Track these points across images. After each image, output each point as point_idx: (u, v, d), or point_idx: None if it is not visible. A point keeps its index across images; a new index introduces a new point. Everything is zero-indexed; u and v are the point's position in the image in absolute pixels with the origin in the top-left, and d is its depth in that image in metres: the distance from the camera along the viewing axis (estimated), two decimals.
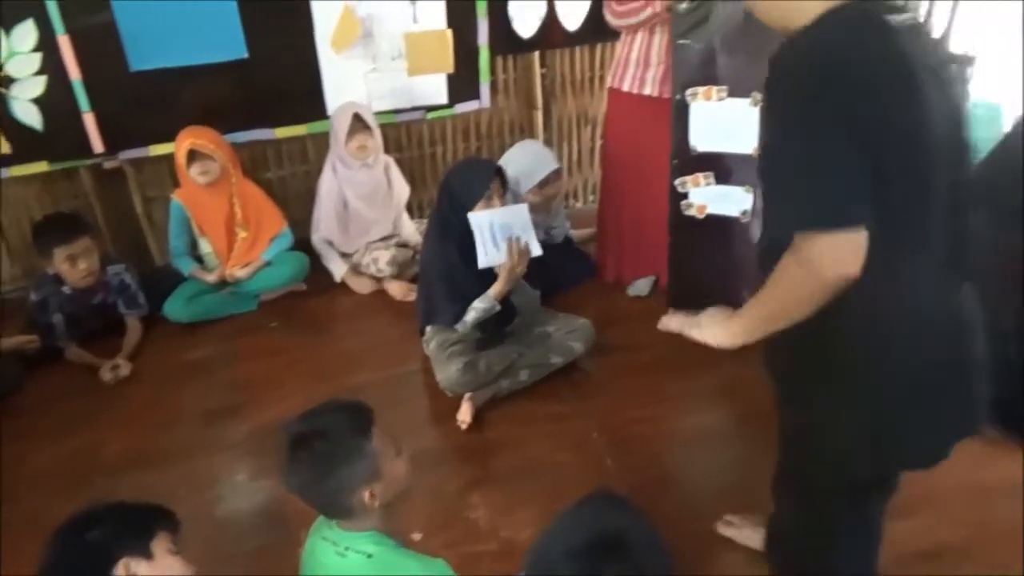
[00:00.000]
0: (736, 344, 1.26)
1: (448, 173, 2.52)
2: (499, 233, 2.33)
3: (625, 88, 2.65)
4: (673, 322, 1.38)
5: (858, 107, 1.01)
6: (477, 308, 2.34)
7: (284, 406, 2.37)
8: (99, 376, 2.54)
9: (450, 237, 2.37)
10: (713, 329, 1.30)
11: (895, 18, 1.10)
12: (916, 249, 1.10)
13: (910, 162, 1.04)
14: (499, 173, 2.47)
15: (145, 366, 2.63)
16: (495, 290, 2.33)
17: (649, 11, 2.45)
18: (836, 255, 1.01)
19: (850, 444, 1.25)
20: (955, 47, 2.09)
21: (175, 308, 2.81)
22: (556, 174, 2.90)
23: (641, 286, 2.94)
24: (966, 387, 1.20)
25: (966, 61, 1.60)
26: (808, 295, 1.07)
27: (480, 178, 2.40)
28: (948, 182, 1.10)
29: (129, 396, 2.50)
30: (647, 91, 2.60)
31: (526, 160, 2.87)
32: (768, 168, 1.10)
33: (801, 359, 1.24)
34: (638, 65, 2.60)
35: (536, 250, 2.37)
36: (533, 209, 2.85)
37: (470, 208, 2.35)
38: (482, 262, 2.32)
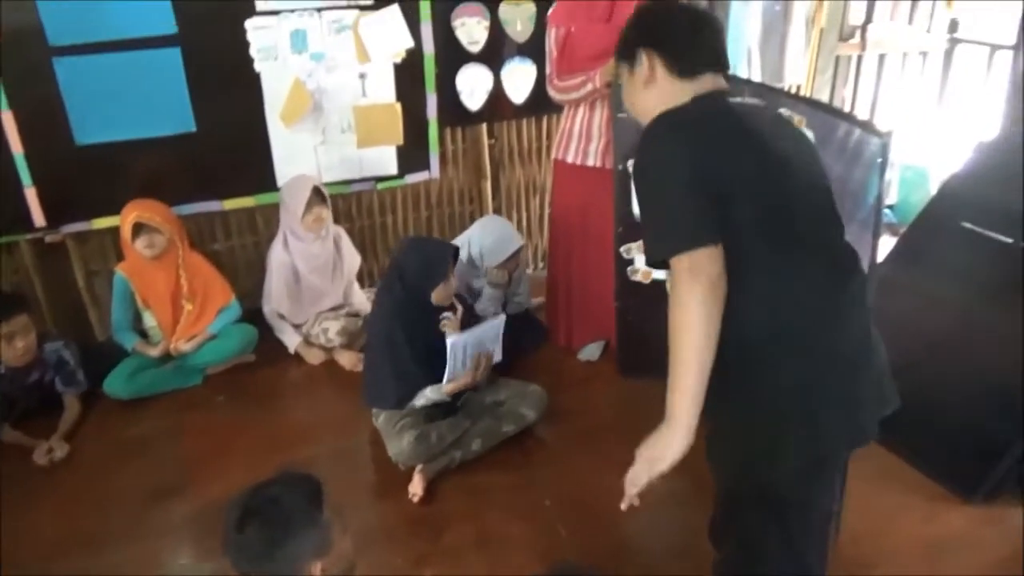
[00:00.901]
0: (689, 434, 1.32)
1: (402, 254, 2.47)
2: (471, 351, 2.34)
3: (569, 160, 2.73)
4: (633, 488, 1.46)
5: (700, 157, 1.24)
6: (428, 397, 2.33)
7: (227, 484, 2.29)
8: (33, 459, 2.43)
9: (399, 316, 2.36)
10: (660, 448, 1.36)
11: (742, 103, 1.36)
12: (783, 257, 1.29)
13: (760, 192, 1.27)
14: (455, 255, 2.50)
15: (83, 446, 2.53)
16: (448, 388, 2.33)
17: (589, 86, 2.54)
18: (697, 265, 1.21)
19: (754, 446, 1.38)
20: (878, 122, 2.27)
21: (116, 384, 2.72)
22: (519, 251, 2.94)
23: (591, 350, 2.97)
24: (850, 386, 1.33)
25: (883, 134, 1.70)
26: (695, 306, 1.21)
27: (438, 262, 2.41)
28: (809, 205, 1.34)
29: (65, 478, 2.39)
30: (590, 162, 2.69)
31: (491, 238, 2.91)
32: (641, 214, 1.34)
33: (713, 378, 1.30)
34: (580, 138, 2.68)
35: (498, 356, 2.44)
36: (496, 283, 2.88)
37: (428, 291, 2.36)
38: (446, 381, 2.32)
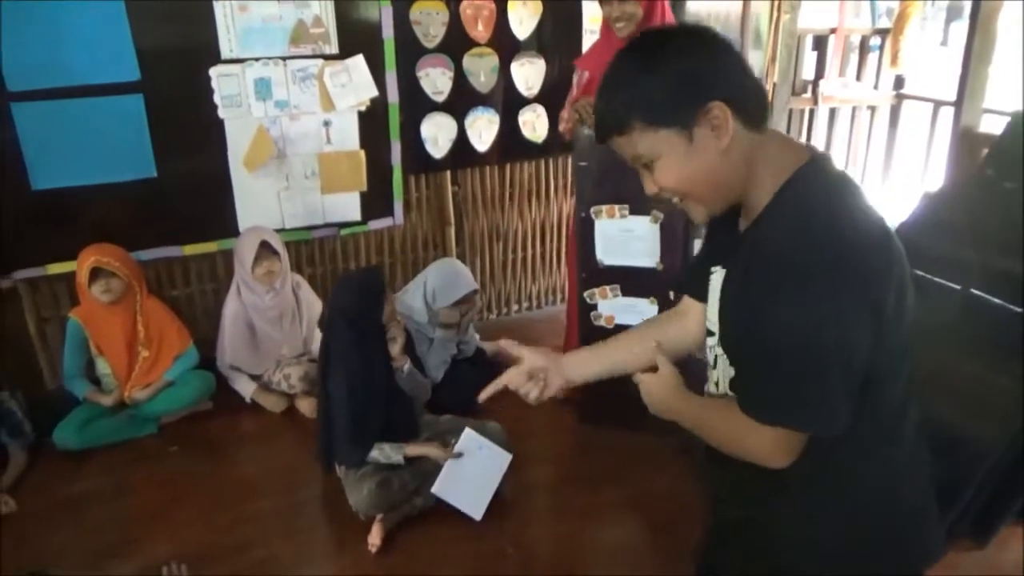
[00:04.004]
0: (657, 412, 1.22)
1: (337, 297, 2.41)
2: (475, 452, 2.32)
3: None
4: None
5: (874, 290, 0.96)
6: (385, 454, 2.27)
7: (174, 543, 2.23)
8: None
9: (354, 359, 2.31)
10: (655, 387, 1.22)
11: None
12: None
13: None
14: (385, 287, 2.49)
15: (26, 501, 2.43)
16: (411, 451, 2.29)
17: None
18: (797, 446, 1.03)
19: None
20: None
21: (66, 435, 2.63)
22: (472, 294, 2.94)
23: None
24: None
25: None
26: (746, 455, 1.07)
27: (373, 282, 2.39)
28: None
29: (5, 535, 2.27)
30: None
31: (445, 278, 2.91)
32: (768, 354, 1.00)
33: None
34: None
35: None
36: (447, 323, 2.89)
37: (377, 316, 2.33)
38: (418, 448, 2.32)
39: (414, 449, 2.30)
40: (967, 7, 3.16)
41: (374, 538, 2.20)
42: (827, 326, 0.93)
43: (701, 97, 0.96)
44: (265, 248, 2.90)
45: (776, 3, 3.76)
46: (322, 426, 2.38)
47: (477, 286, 3.00)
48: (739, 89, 0.98)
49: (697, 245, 2.36)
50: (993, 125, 3.21)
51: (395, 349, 2.42)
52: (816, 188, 0.99)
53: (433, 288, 2.90)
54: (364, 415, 2.28)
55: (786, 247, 0.96)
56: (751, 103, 0.99)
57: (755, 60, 3.84)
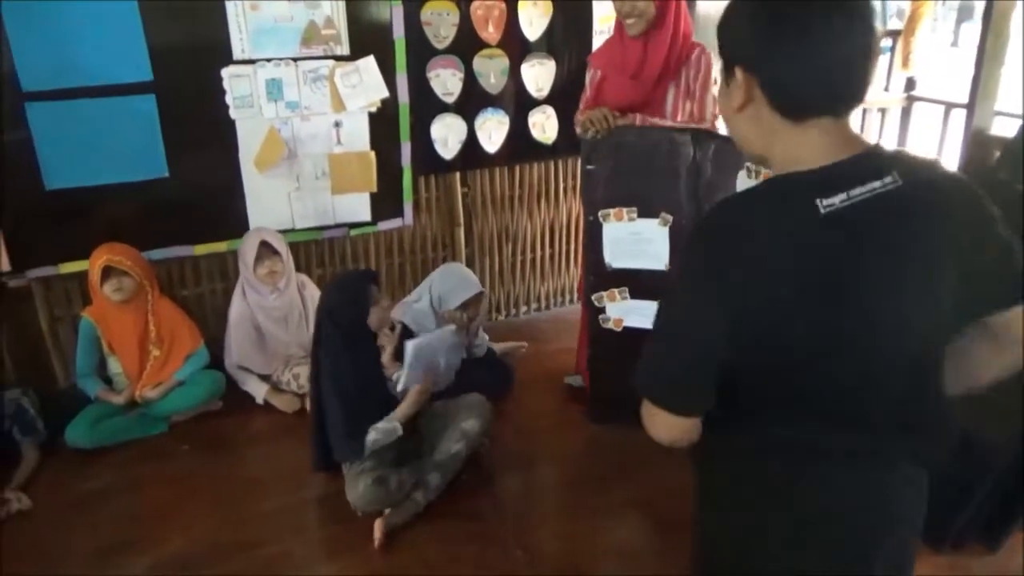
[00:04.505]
0: None
1: (325, 298, 2.45)
2: (426, 358, 2.34)
3: None
4: None
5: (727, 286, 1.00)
6: (378, 430, 2.28)
7: (185, 540, 2.25)
8: None
9: (344, 361, 2.32)
10: None
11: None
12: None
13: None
14: (373, 280, 2.48)
15: (39, 498, 2.44)
16: (400, 412, 2.31)
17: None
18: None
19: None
20: None
21: (77, 433, 2.65)
22: (477, 297, 2.94)
23: (577, 378, 3.00)
24: None
25: None
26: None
27: (360, 286, 2.40)
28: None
29: (19, 532, 2.30)
30: None
31: (450, 282, 2.92)
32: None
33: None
34: None
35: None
36: (457, 326, 2.87)
37: (363, 319, 2.35)
38: (401, 387, 2.33)
39: (403, 410, 2.32)
40: (978, 8, 3.14)
41: (376, 533, 2.21)
42: (671, 302, 1.01)
43: (735, 59, 0.99)
44: (266, 248, 2.91)
45: None
46: (315, 424, 2.42)
47: (483, 288, 3.00)
48: (781, 76, 0.95)
49: None
50: (1005, 127, 3.19)
51: (384, 357, 2.44)
52: (780, 184, 0.98)
53: (439, 292, 2.90)
54: (356, 411, 2.30)
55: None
56: (788, 93, 0.96)
57: None
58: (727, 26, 1.00)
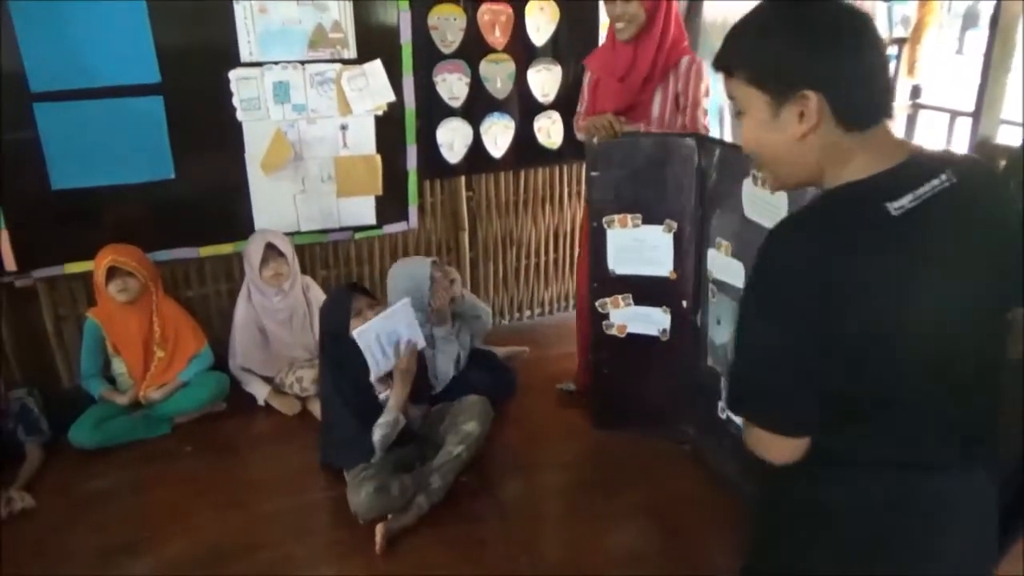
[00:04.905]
0: None
1: (320, 312, 2.58)
2: (386, 341, 2.35)
3: None
4: None
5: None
6: (381, 425, 2.30)
7: (188, 541, 2.25)
8: None
9: (341, 369, 2.36)
10: None
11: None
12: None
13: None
14: (356, 290, 2.49)
15: (42, 498, 2.45)
16: (394, 399, 2.33)
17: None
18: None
19: None
20: None
21: (81, 433, 2.65)
22: (437, 265, 2.81)
23: (570, 384, 3.01)
24: None
25: None
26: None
27: (340, 299, 2.44)
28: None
29: (21, 532, 2.30)
30: None
31: (406, 279, 2.79)
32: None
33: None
34: None
35: (422, 342, 2.42)
36: (441, 317, 2.78)
37: (345, 333, 2.36)
38: (374, 374, 2.35)
39: (395, 397, 2.34)
40: (983, 15, 3.14)
41: (378, 538, 2.20)
42: (763, 328, 0.98)
43: (804, 82, 0.96)
44: (271, 250, 2.92)
45: None
46: (321, 428, 2.50)
47: (433, 258, 2.90)
48: (848, 88, 0.96)
49: (711, 256, 2.36)
50: (1011, 136, 3.19)
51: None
52: (846, 194, 0.98)
53: (406, 294, 2.68)
54: (358, 416, 2.33)
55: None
56: (853, 105, 0.97)
57: None
58: (780, 56, 0.97)
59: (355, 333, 2.31)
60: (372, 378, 2.35)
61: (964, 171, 0.98)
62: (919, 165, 0.97)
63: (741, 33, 1.02)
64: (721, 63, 1.05)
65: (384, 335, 2.35)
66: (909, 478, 1.02)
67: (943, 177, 0.96)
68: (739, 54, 1.01)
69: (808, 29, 0.96)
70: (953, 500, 1.04)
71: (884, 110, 0.99)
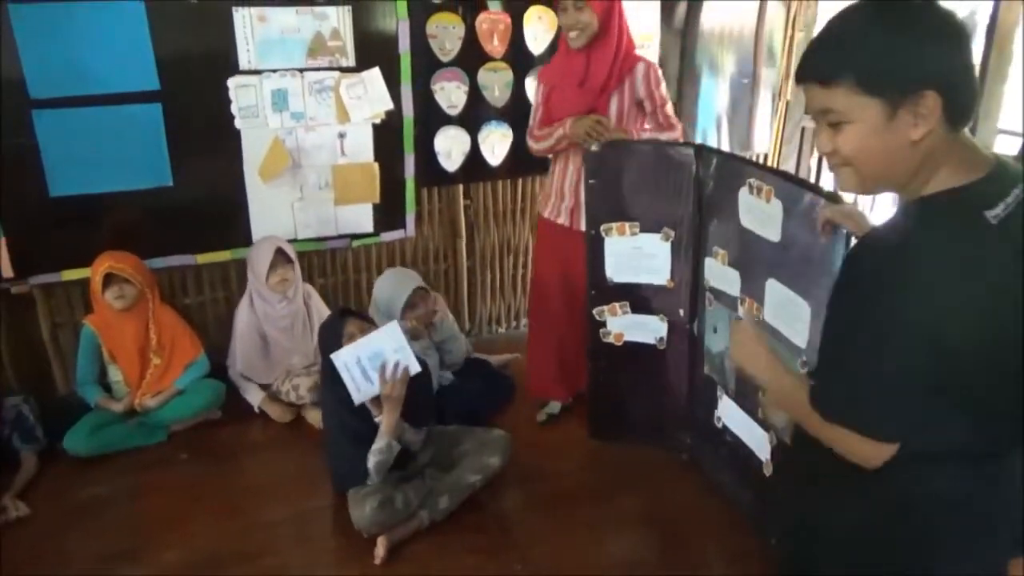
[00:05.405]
0: (740, 361, 1.23)
1: (319, 331, 2.55)
2: (368, 365, 2.27)
3: (545, 215, 2.78)
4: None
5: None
6: (375, 452, 2.25)
7: (183, 550, 2.24)
8: None
9: (337, 397, 2.34)
10: (748, 335, 1.23)
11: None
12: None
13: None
14: (348, 314, 2.47)
15: (37, 506, 2.44)
16: (385, 426, 2.26)
17: (560, 131, 2.56)
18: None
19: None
20: (842, 192, 2.25)
21: (76, 441, 2.64)
22: (422, 293, 2.84)
23: (553, 406, 2.97)
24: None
25: (846, 204, 1.71)
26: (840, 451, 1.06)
27: (330, 326, 2.42)
28: None
29: (15, 540, 2.29)
30: (560, 220, 2.71)
31: (387, 290, 2.82)
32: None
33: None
34: (555, 195, 2.72)
35: (415, 367, 2.30)
36: (416, 334, 2.77)
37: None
38: (356, 399, 2.28)
39: (385, 424, 2.26)
40: (981, 24, 3.15)
41: (379, 550, 2.20)
42: (866, 339, 0.98)
43: (922, 81, 0.94)
44: (280, 256, 2.92)
45: (790, 21, 3.78)
46: (328, 453, 2.48)
47: (421, 282, 2.90)
48: (958, 85, 0.96)
49: (708, 264, 2.37)
50: (1008, 146, 3.20)
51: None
52: (949, 202, 0.98)
53: (383, 304, 2.80)
54: (353, 440, 2.30)
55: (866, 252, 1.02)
56: (962, 103, 0.97)
57: (769, 77, 3.85)
58: (896, 56, 0.95)
59: (332, 356, 2.26)
60: (355, 402, 2.29)
61: None
62: (1006, 172, 0.99)
63: (841, 39, 0.99)
64: (818, 74, 1.00)
65: (366, 358, 2.26)
66: (986, 467, 1.06)
67: (1022, 186, 0.98)
68: (845, 60, 0.97)
69: (918, 27, 0.95)
70: (1015, 484, 1.08)
71: (975, 109, 1.00)
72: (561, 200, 2.70)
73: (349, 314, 2.49)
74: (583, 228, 2.60)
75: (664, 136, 2.58)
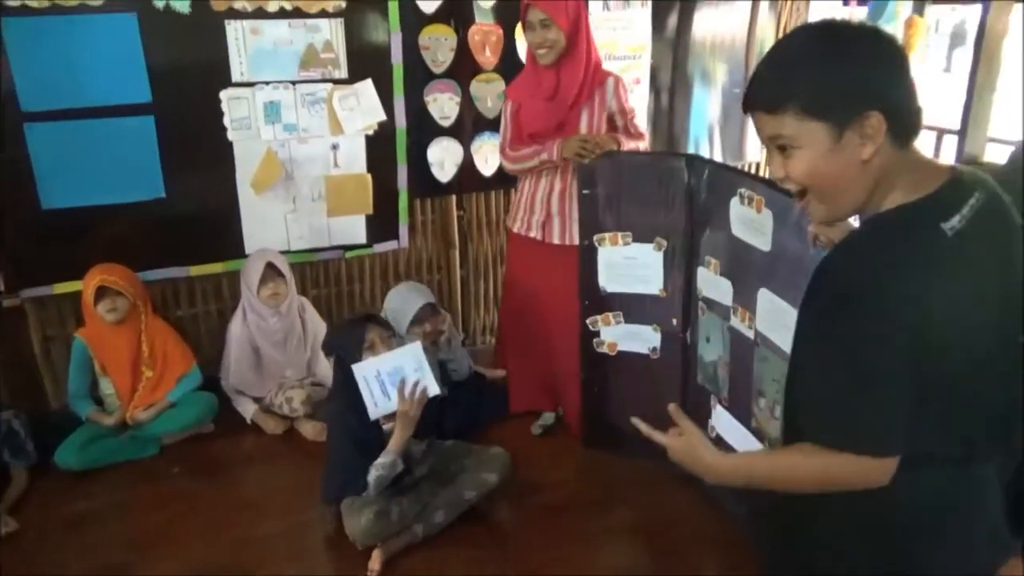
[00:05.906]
0: (709, 479, 1.22)
1: (332, 339, 2.52)
2: (388, 380, 2.25)
3: (515, 229, 2.77)
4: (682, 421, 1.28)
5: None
6: (378, 467, 2.21)
7: (177, 562, 2.23)
8: None
9: (346, 402, 2.31)
10: (698, 453, 1.23)
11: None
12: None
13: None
14: (372, 320, 2.44)
15: (27, 521, 2.42)
16: (394, 443, 2.23)
17: (544, 156, 2.56)
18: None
19: None
20: None
21: (67, 455, 2.63)
22: (430, 310, 2.87)
23: (547, 417, 2.97)
24: None
25: None
26: (831, 487, 1.07)
27: (353, 331, 2.38)
28: None
29: (5, 556, 2.27)
30: (532, 234, 2.69)
31: (397, 302, 2.87)
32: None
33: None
34: (525, 209, 2.71)
35: (434, 390, 2.27)
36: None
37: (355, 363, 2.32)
38: (372, 414, 2.26)
39: (395, 441, 2.23)
40: (971, 33, 3.18)
41: (373, 563, 2.19)
42: (853, 360, 0.99)
43: (865, 103, 0.97)
44: (271, 270, 2.92)
45: (781, 29, 3.80)
46: (328, 462, 2.41)
47: (431, 299, 2.93)
48: (900, 104, 0.99)
49: (700, 274, 2.37)
50: (997, 154, 3.22)
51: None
52: (903, 218, 1.00)
53: (391, 316, 2.82)
54: (359, 451, 2.27)
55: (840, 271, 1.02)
56: (906, 121, 1.00)
57: None
58: (839, 80, 0.98)
59: (354, 367, 2.25)
60: (371, 416, 2.27)
61: (987, 188, 1.03)
62: (961, 184, 1.01)
63: (784, 67, 1.02)
64: (765, 102, 1.02)
65: (386, 374, 2.25)
66: (972, 471, 1.07)
67: (978, 195, 1.00)
68: (789, 87, 1.00)
69: (858, 50, 0.98)
70: (994, 488, 1.11)
71: (920, 127, 1.03)
72: (531, 214, 2.69)
73: (372, 320, 2.44)
74: (556, 240, 2.62)
75: (632, 144, 2.62)
